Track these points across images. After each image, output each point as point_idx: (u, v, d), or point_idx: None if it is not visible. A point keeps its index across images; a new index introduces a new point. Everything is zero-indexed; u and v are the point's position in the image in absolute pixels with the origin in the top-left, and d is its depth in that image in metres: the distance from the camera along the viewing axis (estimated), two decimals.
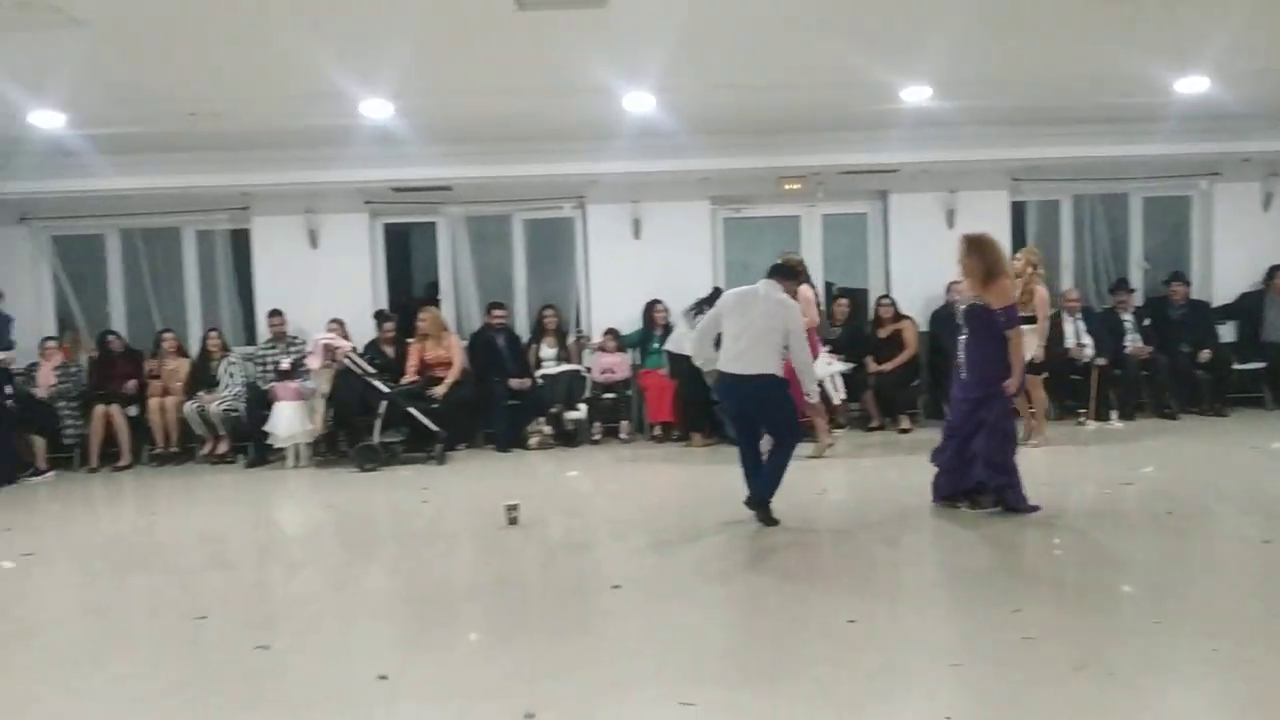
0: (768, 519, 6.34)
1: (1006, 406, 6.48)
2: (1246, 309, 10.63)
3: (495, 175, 10.09)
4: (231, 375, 9.94)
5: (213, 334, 10.15)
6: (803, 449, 8.47)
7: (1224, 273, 10.94)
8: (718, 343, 6.49)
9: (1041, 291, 8.55)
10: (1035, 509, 6.38)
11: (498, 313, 10.20)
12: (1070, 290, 10.57)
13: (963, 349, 6.57)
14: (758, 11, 6.01)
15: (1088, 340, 10.13)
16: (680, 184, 10.41)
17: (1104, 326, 10.31)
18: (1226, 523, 6.50)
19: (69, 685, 4.19)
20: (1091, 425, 9.78)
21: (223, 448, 9.74)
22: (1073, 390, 10.18)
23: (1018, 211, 10.98)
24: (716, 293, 10.01)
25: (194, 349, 10.30)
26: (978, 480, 6.43)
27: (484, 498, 7.39)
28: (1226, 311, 10.77)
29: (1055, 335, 10.25)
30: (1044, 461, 8.18)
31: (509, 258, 11.07)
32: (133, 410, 9.80)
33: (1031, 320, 8.34)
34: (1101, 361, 9.98)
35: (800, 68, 7.42)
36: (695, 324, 9.59)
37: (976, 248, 6.34)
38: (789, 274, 6.59)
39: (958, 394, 6.59)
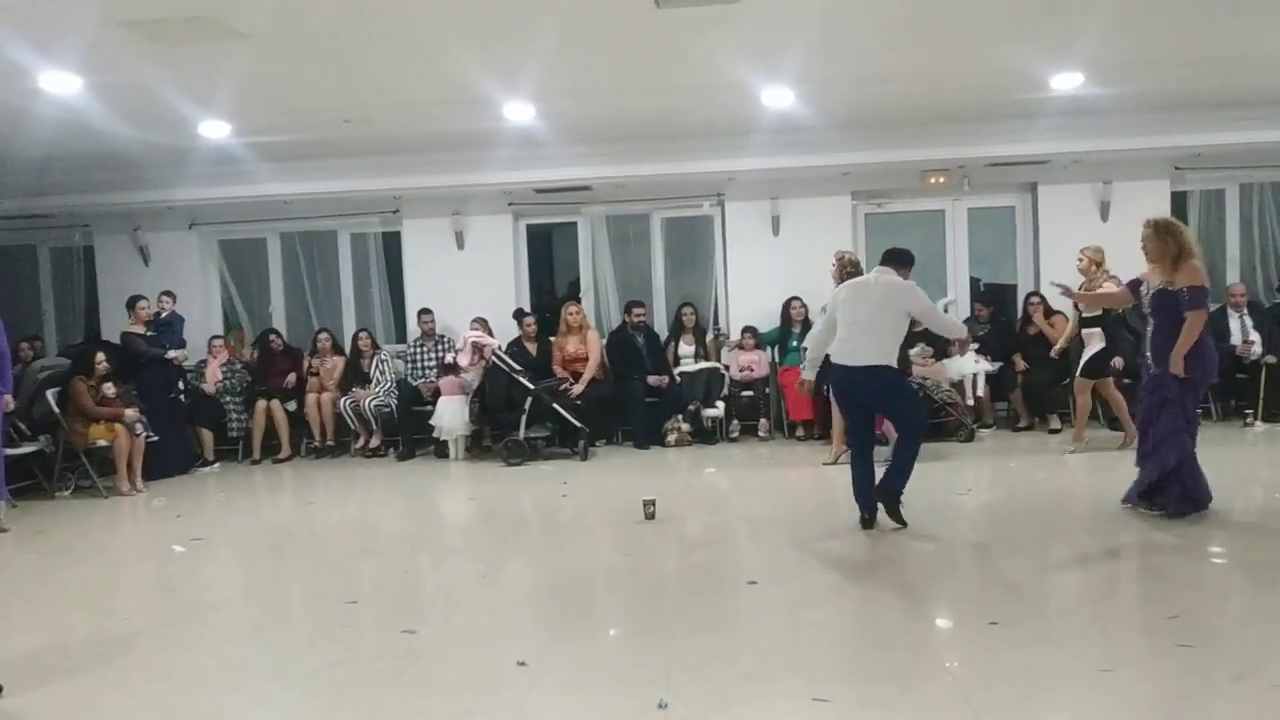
0: (896, 515, 6.14)
1: (1188, 403, 6.14)
2: None
3: (634, 174, 10.18)
4: (382, 372, 10.33)
5: (362, 334, 10.57)
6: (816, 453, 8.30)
7: None
8: None
9: (1110, 287, 8.01)
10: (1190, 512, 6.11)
11: (637, 310, 10.29)
12: (1236, 285, 10.01)
13: (1149, 339, 6.29)
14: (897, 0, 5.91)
15: (1255, 337, 9.59)
16: (820, 179, 10.29)
17: (1274, 322, 9.73)
18: None
19: (233, 659, 4.46)
20: (1260, 426, 9.26)
21: (375, 442, 10.13)
22: (1239, 389, 9.65)
23: (1178, 202, 10.44)
24: None
25: (349, 347, 10.73)
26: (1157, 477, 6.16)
27: (622, 493, 7.48)
28: None
29: (1220, 331, 9.74)
30: (1206, 463, 7.77)
31: (648, 256, 11.16)
32: (292, 405, 10.29)
33: (1095, 322, 8.19)
34: (1270, 359, 9.43)
35: (944, 57, 7.25)
36: None
37: (1165, 230, 6.09)
38: (903, 259, 6.34)
39: (1146, 389, 6.31)
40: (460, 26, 6.05)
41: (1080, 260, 8.33)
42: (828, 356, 6.38)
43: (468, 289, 10.69)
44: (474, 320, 10.12)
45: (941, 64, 7.42)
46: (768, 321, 10.38)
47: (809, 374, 6.65)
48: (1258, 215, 10.61)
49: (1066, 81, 8.01)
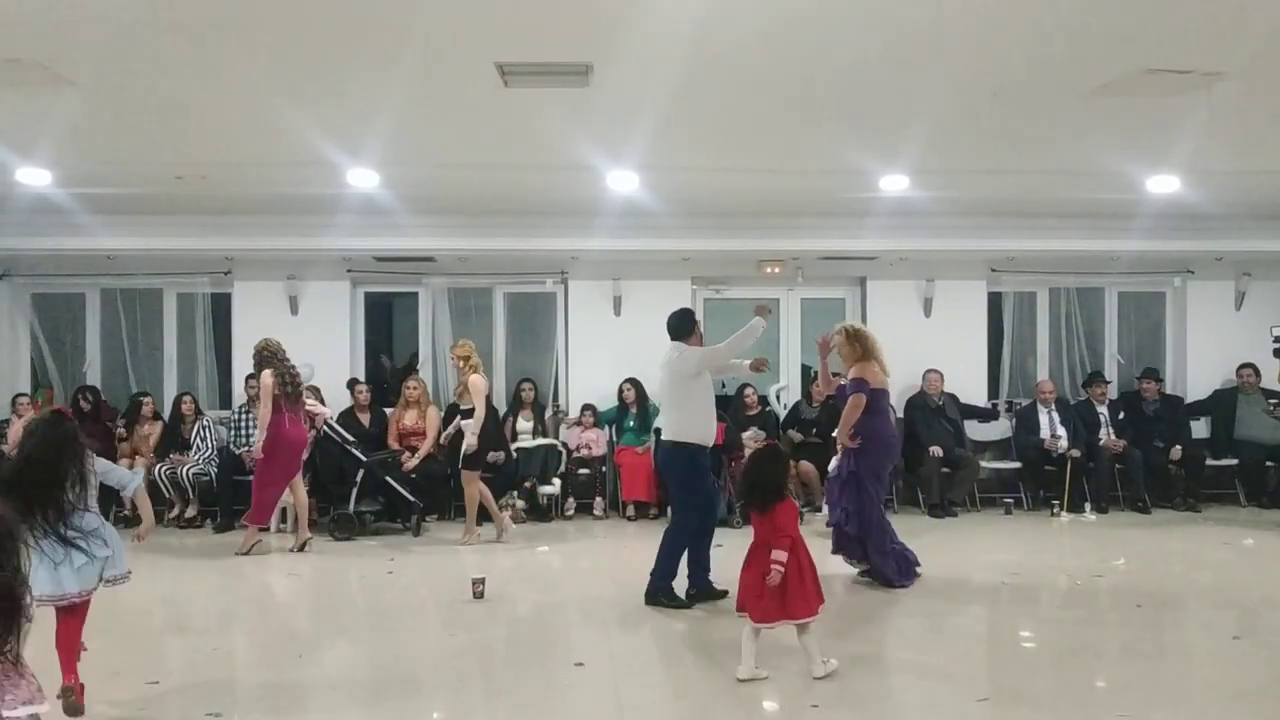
0: (665, 602, 6.32)
1: (871, 484, 6.95)
2: (1219, 406, 10.72)
3: (479, 248, 10.14)
4: (203, 439, 9.87)
5: (185, 398, 10.09)
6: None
7: (1197, 369, 11.07)
8: None
9: (476, 381, 8.53)
10: (903, 586, 6.82)
11: None
12: (1045, 382, 10.65)
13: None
14: (739, 95, 6.13)
15: (1062, 432, 10.16)
16: (662, 263, 10.50)
17: (1079, 418, 10.37)
18: (1196, 617, 6.47)
19: None
20: (1065, 517, 9.76)
21: (191, 512, 9.62)
22: (1047, 481, 10.20)
23: (994, 301, 11.11)
24: None
25: (169, 411, 10.21)
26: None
27: (451, 570, 7.32)
28: (1200, 408, 10.85)
29: (1030, 425, 10.32)
30: (1015, 551, 8.19)
31: (490, 330, 11.10)
32: None
33: (469, 413, 8.54)
34: (1076, 453, 10.00)
35: (781, 153, 7.54)
36: None
37: (854, 337, 7.18)
38: (679, 329, 6.67)
39: (837, 468, 7.26)
40: (300, 89, 5.94)
41: (451, 355, 9.03)
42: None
43: (300, 356, 10.23)
44: (305, 388, 9.79)
45: (779, 159, 7.71)
46: (607, 400, 10.43)
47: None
48: (1065, 317, 11.35)
49: (894, 184, 8.43)
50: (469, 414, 8.56)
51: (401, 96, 6.02)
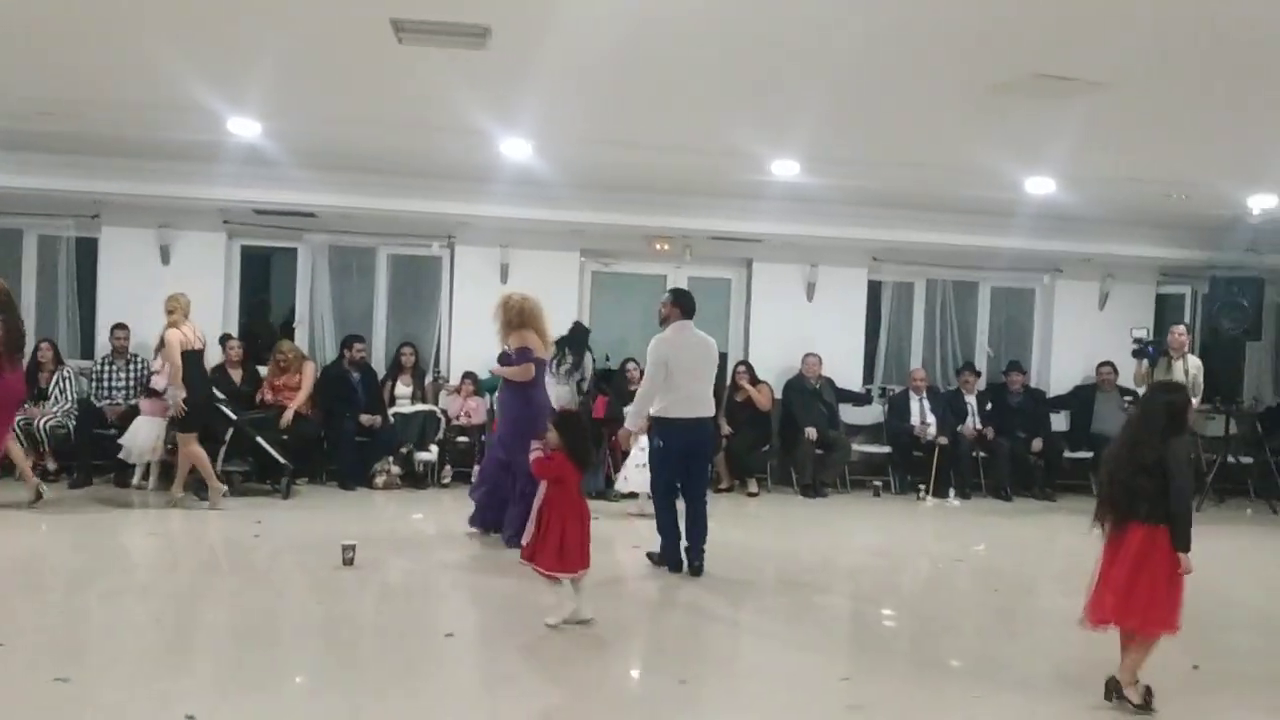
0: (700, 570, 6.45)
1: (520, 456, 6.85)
2: (1079, 401, 11.20)
3: (364, 206, 9.88)
4: (63, 390, 9.40)
5: (44, 345, 9.58)
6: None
7: (1060, 364, 11.54)
8: None
9: (169, 335, 8.09)
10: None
11: (358, 346, 9.93)
12: (918, 370, 10.95)
13: (498, 402, 7.44)
14: (636, 71, 6.10)
15: (931, 419, 10.48)
16: (552, 233, 10.41)
17: (948, 407, 10.70)
18: (1047, 603, 6.77)
19: None
20: (930, 501, 10.09)
21: (51, 465, 9.17)
22: (915, 466, 10.51)
23: (874, 290, 11.38)
24: (577, 327, 10.02)
25: (27, 359, 9.69)
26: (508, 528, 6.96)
27: (321, 535, 7.15)
28: (1061, 402, 11.33)
29: (901, 412, 10.63)
30: (881, 533, 8.42)
31: (371, 292, 10.85)
32: None
33: None
34: (943, 441, 10.34)
35: (676, 130, 7.53)
36: (564, 376, 9.64)
37: (504, 304, 7.31)
38: (693, 310, 6.80)
39: (494, 445, 7.43)
40: (180, 29, 5.65)
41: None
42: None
43: None
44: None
45: (674, 136, 7.71)
46: (489, 368, 10.31)
47: (635, 424, 6.81)
48: (940, 309, 11.70)
49: (785, 169, 8.54)
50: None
51: (289, 45, 5.80)
